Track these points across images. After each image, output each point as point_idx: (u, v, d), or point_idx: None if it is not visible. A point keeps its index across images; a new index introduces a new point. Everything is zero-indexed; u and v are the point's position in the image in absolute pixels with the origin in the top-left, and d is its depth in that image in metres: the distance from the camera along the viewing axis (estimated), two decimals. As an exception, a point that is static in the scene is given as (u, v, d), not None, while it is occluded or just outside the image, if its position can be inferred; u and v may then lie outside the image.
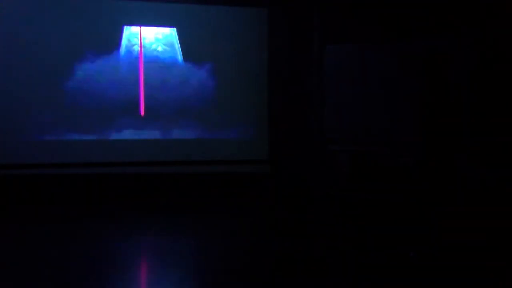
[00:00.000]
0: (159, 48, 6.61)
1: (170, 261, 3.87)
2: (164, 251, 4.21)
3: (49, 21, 6.21)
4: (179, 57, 6.59)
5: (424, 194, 5.52)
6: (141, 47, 6.55)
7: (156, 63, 6.59)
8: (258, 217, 5.56)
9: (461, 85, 5.65)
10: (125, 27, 6.49)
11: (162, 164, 6.48)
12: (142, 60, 6.55)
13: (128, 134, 6.50)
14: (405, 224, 4.84)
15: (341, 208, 5.51)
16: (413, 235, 4.41)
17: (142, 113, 6.49)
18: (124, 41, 6.51)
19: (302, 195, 6.10)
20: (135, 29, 6.52)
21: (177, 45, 6.58)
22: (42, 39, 6.17)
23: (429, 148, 5.84)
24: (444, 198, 5.42)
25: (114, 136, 6.46)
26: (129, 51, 6.54)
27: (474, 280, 3.32)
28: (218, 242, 4.48)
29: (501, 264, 3.58)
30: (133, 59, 6.53)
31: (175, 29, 6.56)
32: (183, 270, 3.66)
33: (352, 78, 6.22)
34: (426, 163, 5.81)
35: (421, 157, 5.82)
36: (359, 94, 6.28)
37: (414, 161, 5.89)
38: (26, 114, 6.18)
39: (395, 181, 5.70)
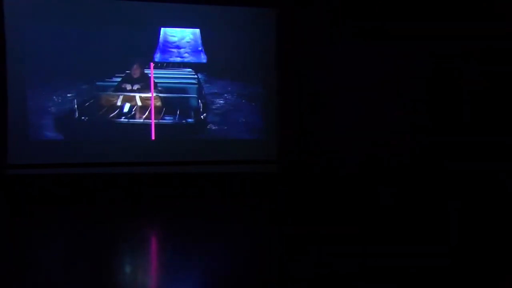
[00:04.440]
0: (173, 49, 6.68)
1: (177, 261, 3.88)
2: (171, 251, 4.24)
3: (77, 23, 6.27)
4: (202, 56, 6.66)
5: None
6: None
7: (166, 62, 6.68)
8: (265, 216, 5.57)
9: (461, 85, 5.67)
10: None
11: (169, 164, 6.50)
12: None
13: (136, 135, 6.58)
14: (411, 225, 4.83)
15: (343, 208, 5.51)
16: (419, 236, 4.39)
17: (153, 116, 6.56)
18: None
19: (310, 195, 6.10)
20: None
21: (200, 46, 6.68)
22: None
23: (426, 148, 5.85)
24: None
25: (122, 136, 6.55)
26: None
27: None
28: (225, 242, 4.46)
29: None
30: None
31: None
32: (190, 270, 3.66)
33: (358, 77, 6.24)
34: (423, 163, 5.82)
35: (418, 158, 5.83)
36: (363, 94, 6.29)
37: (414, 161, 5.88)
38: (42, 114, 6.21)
39: (399, 181, 5.70)
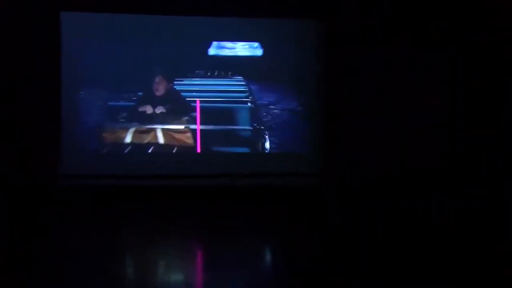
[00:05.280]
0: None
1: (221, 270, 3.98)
2: (216, 260, 4.27)
3: (127, 39, 5.74)
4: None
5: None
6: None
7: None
8: (307, 229, 5.59)
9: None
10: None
11: (215, 177, 6.14)
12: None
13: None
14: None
15: (387, 221, 5.66)
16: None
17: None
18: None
19: (353, 208, 6.19)
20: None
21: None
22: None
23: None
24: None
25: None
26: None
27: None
28: (268, 252, 4.47)
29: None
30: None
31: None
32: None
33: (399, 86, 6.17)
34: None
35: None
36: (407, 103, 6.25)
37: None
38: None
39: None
